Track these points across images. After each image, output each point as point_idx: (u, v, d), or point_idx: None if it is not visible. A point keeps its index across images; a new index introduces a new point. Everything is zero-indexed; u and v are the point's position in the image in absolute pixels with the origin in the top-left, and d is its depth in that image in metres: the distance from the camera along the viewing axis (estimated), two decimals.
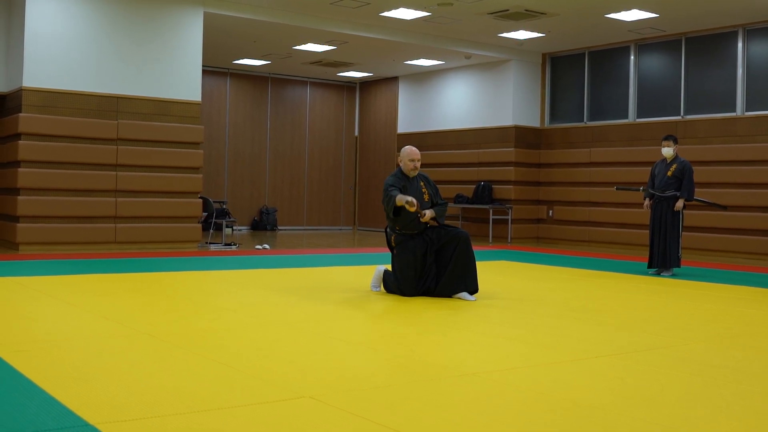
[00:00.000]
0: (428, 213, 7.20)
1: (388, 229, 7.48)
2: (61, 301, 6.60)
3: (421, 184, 7.45)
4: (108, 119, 11.57)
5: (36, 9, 11.06)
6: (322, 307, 6.56)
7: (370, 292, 7.52)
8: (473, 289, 7.17)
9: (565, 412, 3.54)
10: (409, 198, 6.92)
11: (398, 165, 7.54)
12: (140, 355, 4.57)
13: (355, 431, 3.18)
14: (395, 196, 7.05)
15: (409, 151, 7.45)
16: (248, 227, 18.30)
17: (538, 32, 13.96)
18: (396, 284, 7.30)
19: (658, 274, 9.92)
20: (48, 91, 11.17)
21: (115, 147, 11.63)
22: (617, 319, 6.34)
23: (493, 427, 3.30)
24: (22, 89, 11.03)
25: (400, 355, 4.76)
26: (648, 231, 10.16)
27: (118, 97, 11.63)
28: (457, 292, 7.12)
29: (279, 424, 3.25)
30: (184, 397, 3.62)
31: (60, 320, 5.79)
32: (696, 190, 10.22)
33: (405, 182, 7.36)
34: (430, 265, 7.23)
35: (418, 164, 7.40)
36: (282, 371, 4.20)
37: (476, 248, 13.84)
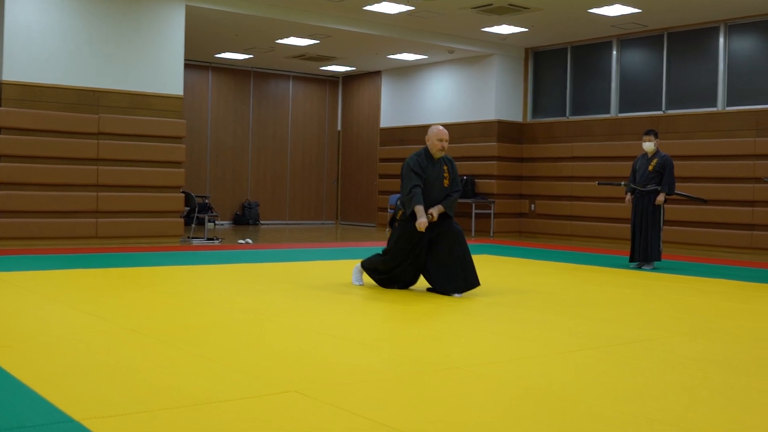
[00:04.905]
0: (435, 212, 7.01)
1: (398, 203, 7.21)
2: (42, 297, 6.56)
3: (444, 168, 7.20)
4: (89, 113, 11.49)
5: (15, 2, 10.95)
6: (306, 302, 6.55)
7: (353, 286, 7.51)
8: (474, 284, 7.05)
9: (550, 405, 3.55)
10: (423, 221, 6.83)
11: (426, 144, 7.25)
12: (125, 350, 4.54)
13: (341, 425, 3.18)
14: (416, 204, 6.90)
15: (437, 130, 7.16)
16: (230, 222, 18.25)
17: (522, 27, 13.98)
18: (383, 260, 7.18)
19: (639, 267, 9.97)
20: (28, 85, 11.07)
21: (96, 141, 11.55)
22: (600, 312, 6.37)
23: (479, 420, 3.30)
24: (1, 83, 10.93)
25: (386, 350, 4.76)
26: (629, 225, 10.21)
27: (98, 91, 11.56)
28: (453, 293, 7.01)
29: (265, 419, 3.24)
30: (170, 392, 3.60)
31: (42, 316, 5.75)
32: (677, 184, 10.30)
33: (428, 165, 7.10)
34: (421, 249, 7.11)
35: (446, 145, 7.12)
36: (267, 366, 4.19)
37: None
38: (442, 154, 7.18)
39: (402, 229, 7.12)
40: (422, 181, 7.04)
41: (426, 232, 7.04)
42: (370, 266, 7.47)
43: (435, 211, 7.01)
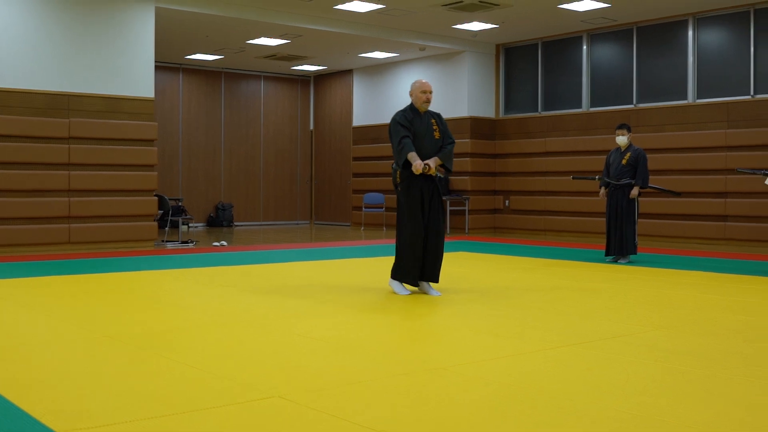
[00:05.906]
0: (432, 164, 6.83)
1: (394, 165, 7.02)
2: (17, 305, 6.47)
3: (432, 121, 7.04)
4: (59, 117, 11.37)
5: None
6: (285, 305, 6.51)
7: (332, 287, 7.48)
8: (435, 280, 7.05)
9: (534, 403, 3.55)
10: (419, 163, 6.68)
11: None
12: (104, 358, 4.49)
13: (327, 430, 3.16)
14: (408, 152, 6.74)
15: (421, 83, 7.01)
16: (204, 224, 18.14)
17: (492, 23, 14.01)
18: (402, 242, 6.93)
19: (615, 261, 10.03)
20: None
21: (67, 146, 11.42)
22: (579, 307, 6.40)
23: (465, 420, 3.30)
24: None
25: (368, 352, 4.74)
26: (604, 219, 10.27)
27: (69, 95, 11.43)
28: (426, 281, 7.01)
29: (249, 426, 3.21)
30: (151, 400, 3.56)
31: (18, 324, 5.67)
32: (650, 177, 10.37)
33: (415, 118, 6.95)
34: (427, 213, 6.96)
35: (431, 96, 6.99)
36: (249, 371, 4.16)
37: None
38: (428, 106, 7.05)
39: (406, 190, 6.92)
40: (411, 133, 6.90)
41: (428, 197, 6.90)
42: (396, 264, 7.08)
43: (432, 162, 6.86)
